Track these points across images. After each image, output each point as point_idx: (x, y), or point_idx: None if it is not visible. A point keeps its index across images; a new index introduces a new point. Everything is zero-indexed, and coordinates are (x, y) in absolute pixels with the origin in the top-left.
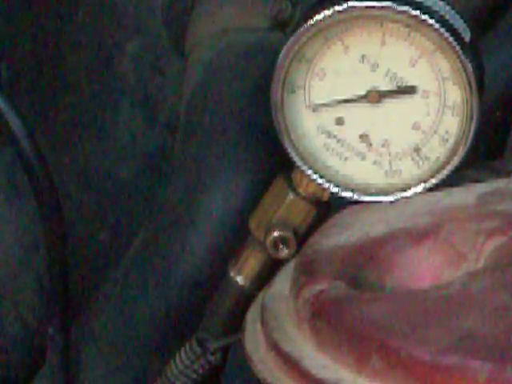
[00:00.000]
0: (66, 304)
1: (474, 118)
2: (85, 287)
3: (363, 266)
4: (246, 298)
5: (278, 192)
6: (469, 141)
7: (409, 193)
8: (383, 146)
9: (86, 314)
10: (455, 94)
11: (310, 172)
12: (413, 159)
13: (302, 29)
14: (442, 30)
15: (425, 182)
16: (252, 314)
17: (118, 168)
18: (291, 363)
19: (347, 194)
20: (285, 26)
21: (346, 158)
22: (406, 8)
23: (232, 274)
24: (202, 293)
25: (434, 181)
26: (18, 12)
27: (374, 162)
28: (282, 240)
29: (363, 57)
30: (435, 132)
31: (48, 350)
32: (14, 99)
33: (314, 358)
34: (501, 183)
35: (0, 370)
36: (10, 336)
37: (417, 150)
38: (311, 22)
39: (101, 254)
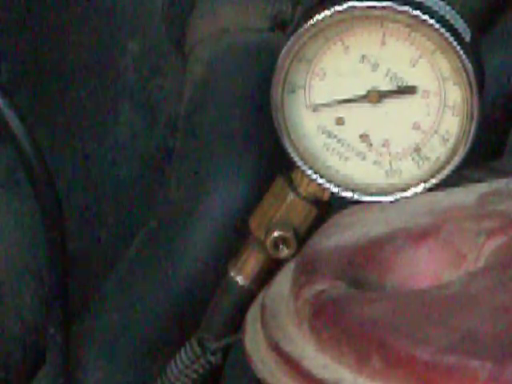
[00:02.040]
0: (66, 304)
1: (475, 117)
2: (85, 287)
3: (363, 266)
4: (246, 298)
5: (278, 192)
6: (469, 141)
7: (409, 193)
8: (383, 145)
9: (86, 313)
10: (455, 94)
11: (310, 172)
12: (413, 159)
13: (302, 29)
14: (443, 30)
15: (425, 182)
16: (252, 314)
17: (118, 167)
18: (291, 363)
19: (347, 194)
20: (285, 26)
21: (346, 158)
22: (406, 8)
23: (232, 273)
24: (202, 293)
25: (434, 181)
26: (18, 12)
27: (375, 162)
28: (283, 240)
29: (363, 57)
30: (435, 132)
31: (48, 350)
32: (14, 99)
33: (315, 358)
34: (501, 183)
35: (0, 371)
36: (10, 336)
37: (417, 149)
38: (311, 22)
39: (101, 253)
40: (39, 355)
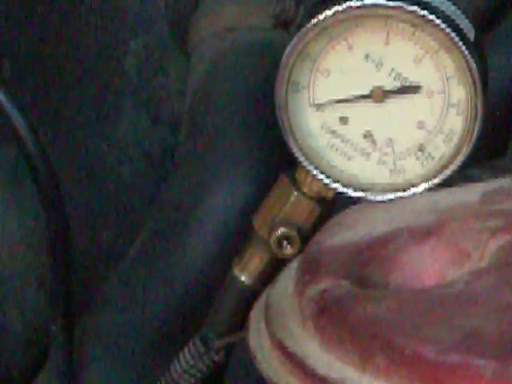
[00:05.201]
0: (69, 303)
1: (479, 116)
2: (87, 286)
3: (367, 264)
4: (250, 297)
5: (282, 190)
6: (473, 139)
7: (413, 191)
8: (387, 145)
9: (88, 312)
10: (459, 93)
11: (314, 171)
12: (417, 158)
13: (306, 28)
14: (447, 29)
15: (429, 180)
16: (256, 313)
17: (120, 167)
18: (295, 362)
19: (351, 193)
20: (288, 24)
21: (350, 157)
22: (410, 7)
23: (236, 272)
24: (205, 291)
25: (437, 180)
26: (20, 9)
27: (379, 161)
28: (286, 238)
29: (367, 56)
30: (439, 131)
31: (51, 349)
32: (17, 97)
33: (319, 357)
34: (504, 182)
35: (3, 369)
36: (13, 335)
37: (421, 148)
38: (315, 20)
39: (103, 252)
40: (42, 354)
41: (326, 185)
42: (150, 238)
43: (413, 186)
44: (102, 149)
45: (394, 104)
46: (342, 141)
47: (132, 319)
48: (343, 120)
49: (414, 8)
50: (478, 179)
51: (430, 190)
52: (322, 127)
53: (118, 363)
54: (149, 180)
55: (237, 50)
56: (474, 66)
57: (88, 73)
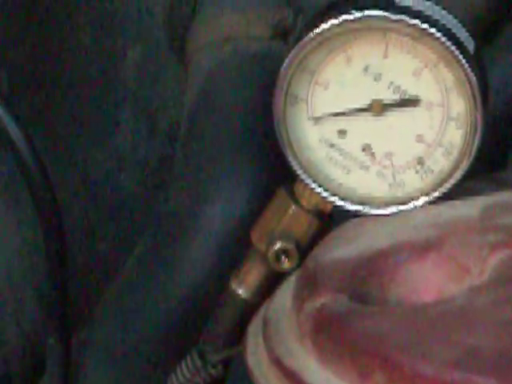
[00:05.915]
0: (66, 315)
1: (478, 130)
2: (85, 298)
3: (366, 279)
4: (248, 311)
5: (280, 204)
6: (473, 153)
7: (412, 205)
8: (386, 158)
9: (86, 324)
10: (459, 106)
11: (313, 184)
12: (416, 171)
13: (304, 39)
14: (447, 41)
15: (428, 194)
16: (254, 328)
17: (118, 177)
18: (293, 378)
19: (350, 207)
20: (286, 34)
21: (349, 171)
22: (409, 19)
23: (233, 286)
24: (203, 304)
25: (437, 193)
26: (18, 18)
27: (378, 175)
28: (285, 252)
29: (366, 68)
30: (439, 144)
31: (48, 361)
32: (14, 107)
33: (317, 373)
34: (504, 196)
35: (0, 381)
36: (10, 347)
37: (420, 162)
38: (314, 32)
39: (100, 264)
40: (39, 365)
41: (325, 198)
42: (147, 250)
43: (412, 200)
44: (99, 158)
45: (393, 117)
46: (341, 154)
47: (129, 331)
48: (342, 133)
49: (413, 21)
50: (479, 192)
51: (429, 203)
52: (321, 140)
53: (115, 376)
54: (146, 190)
55: (235, 60)
56: (473, 78)
57: (86, 82)
